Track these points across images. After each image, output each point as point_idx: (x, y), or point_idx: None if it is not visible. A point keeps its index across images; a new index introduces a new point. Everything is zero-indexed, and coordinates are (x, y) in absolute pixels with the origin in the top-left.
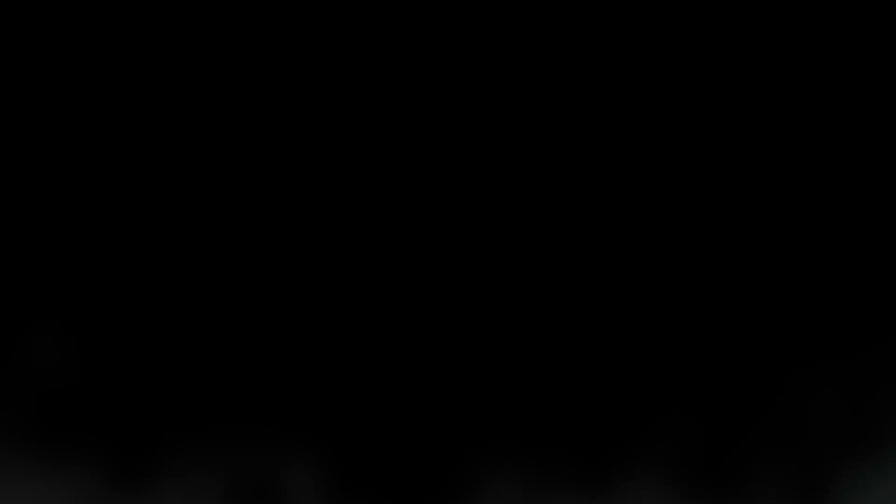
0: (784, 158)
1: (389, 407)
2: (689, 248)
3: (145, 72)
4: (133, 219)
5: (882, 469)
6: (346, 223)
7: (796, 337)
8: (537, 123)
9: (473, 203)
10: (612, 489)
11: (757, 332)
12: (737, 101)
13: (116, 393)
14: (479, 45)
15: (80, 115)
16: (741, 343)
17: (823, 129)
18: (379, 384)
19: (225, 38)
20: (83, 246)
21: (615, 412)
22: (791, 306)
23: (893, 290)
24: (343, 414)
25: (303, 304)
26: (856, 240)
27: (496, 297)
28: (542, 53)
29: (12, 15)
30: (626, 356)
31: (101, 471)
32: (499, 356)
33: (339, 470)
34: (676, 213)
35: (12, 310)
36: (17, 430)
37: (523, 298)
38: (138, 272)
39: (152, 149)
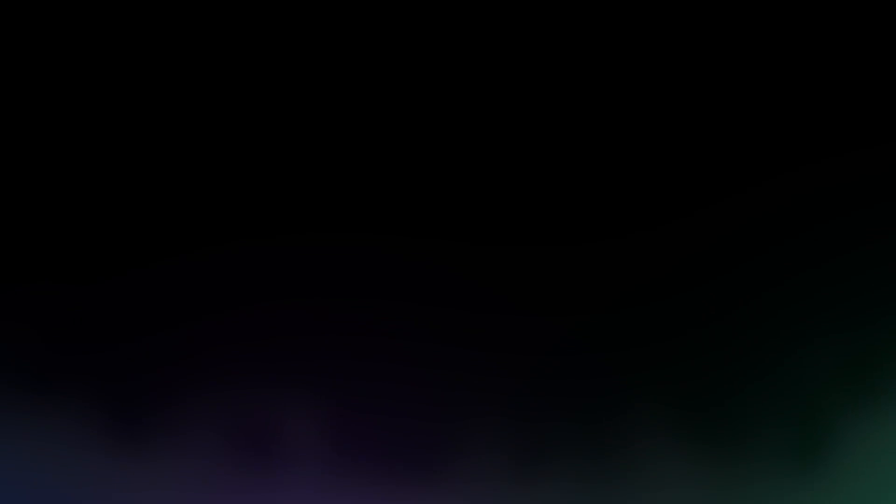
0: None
1: (385, 358)
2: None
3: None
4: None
5: (881, 418)
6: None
7: (794, 287)
8: None
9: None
10: (612, 451)
11: (754, 278)
12: None
13: (116, 332)
14: None
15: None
16: (740, 290)
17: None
18: (375, 331)
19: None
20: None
21: (613, 372)
22: (787, 257)
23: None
24: (340, 358)
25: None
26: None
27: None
28: None
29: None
30: (620, 305)
31: (100, 406)
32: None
33: (336, 419)
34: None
35: (10, 249)
36: (16, 368)
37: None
38: (133, 208)
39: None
